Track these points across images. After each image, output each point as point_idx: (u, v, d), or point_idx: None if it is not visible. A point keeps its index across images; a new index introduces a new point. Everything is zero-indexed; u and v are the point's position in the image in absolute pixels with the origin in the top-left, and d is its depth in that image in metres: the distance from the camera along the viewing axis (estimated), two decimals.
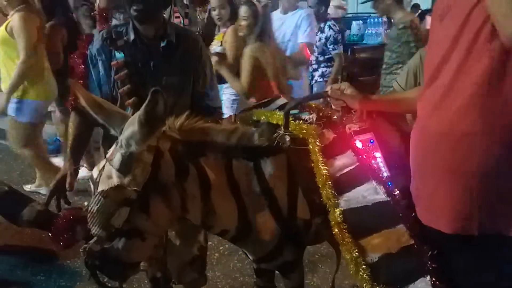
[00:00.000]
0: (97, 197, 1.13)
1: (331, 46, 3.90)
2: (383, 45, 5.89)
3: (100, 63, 1.56)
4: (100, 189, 1.15)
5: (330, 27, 3.90)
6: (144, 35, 1.56)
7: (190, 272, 1.82)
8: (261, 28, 2.55)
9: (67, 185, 1.52)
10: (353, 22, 6.30)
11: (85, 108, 1.23)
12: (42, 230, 1.39)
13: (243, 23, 2.61)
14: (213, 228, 1.39)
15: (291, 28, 3.33)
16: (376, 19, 6.19)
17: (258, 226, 1.38)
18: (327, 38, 3.90)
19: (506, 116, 0.99)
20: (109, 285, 1.29)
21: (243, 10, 2.62)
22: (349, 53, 5.63)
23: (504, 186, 1.03)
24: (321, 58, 4.00)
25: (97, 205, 1.13)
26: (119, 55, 1.54)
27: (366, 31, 6.21)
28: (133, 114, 1.51)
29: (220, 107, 1.84)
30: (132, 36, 1.54)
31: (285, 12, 3.43)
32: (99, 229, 1.14)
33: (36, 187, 3.40)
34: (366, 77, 5.30)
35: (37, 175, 3.42)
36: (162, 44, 1.56)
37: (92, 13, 3.55)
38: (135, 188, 1.13)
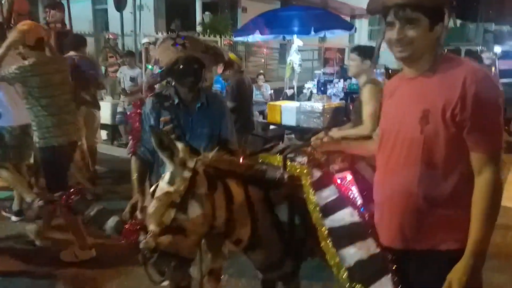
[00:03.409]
0: (152, 202, 1.52)
1: None
2: None
3: (151, 120, 2.13)
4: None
5: None
6: (184, 99, 2.13)
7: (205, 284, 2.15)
8: None
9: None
10: None
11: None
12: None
13: None
14: (230, 237, 1.72)
15: None
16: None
17: (266, 241, 1.79)
18: None
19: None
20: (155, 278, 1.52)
21: None
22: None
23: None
24: None
25: (153, 207, 1.51)
26: (165, 113, 2.11)
27: None
28: None
29: (237, 149, 2.28)
30: (176, 100, 2.12)
31: None
32: (154, 226, 1.45)
33: None
34: None
35: None
36: (198, 105, 2.13)
37: None
38: (178, 194, 1.48)
